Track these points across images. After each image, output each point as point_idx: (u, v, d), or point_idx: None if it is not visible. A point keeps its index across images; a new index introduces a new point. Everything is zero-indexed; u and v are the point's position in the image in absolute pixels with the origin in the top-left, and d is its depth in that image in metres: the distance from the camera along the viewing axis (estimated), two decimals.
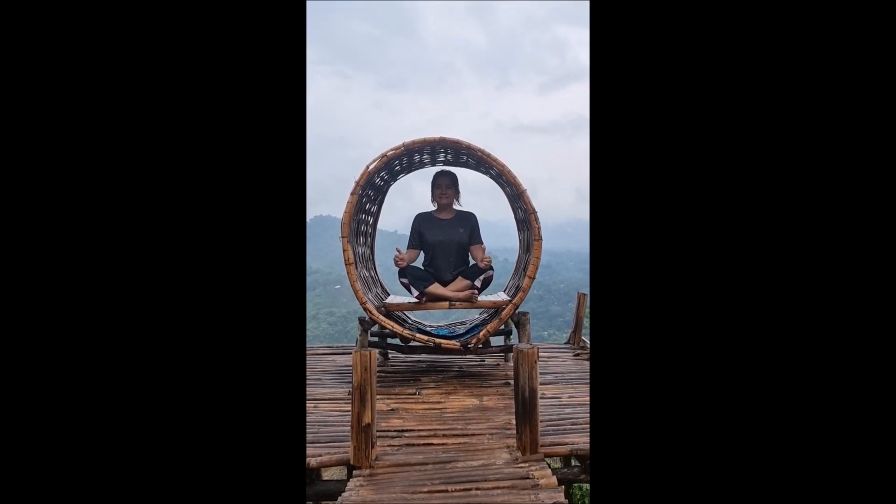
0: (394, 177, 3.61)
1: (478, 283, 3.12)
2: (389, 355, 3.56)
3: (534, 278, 2.99)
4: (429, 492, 1.77)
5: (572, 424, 2.38)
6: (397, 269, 3.21)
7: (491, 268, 3.17)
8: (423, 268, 3.29)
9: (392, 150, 2.95)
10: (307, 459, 2.11)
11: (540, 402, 2.13)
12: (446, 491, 1.77)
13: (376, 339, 3.40)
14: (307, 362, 3.55)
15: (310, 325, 26.81)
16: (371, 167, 2.96)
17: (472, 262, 3.35)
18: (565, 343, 4.12)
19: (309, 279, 37.11)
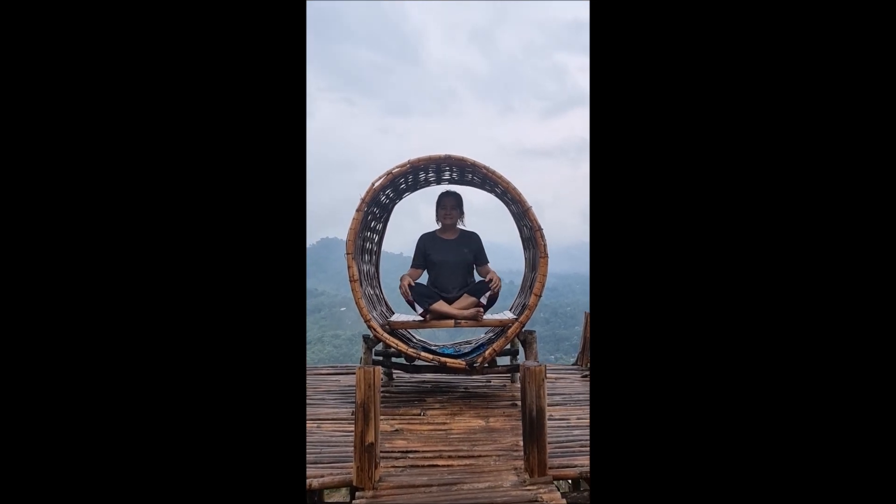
0: (399, 195, 3.62)
1: (483, 301, 3.09)
2: (394, 375, 3.50)
3: (540, 296, 2.95)
4: None
5: (581, 446, 2.31)
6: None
7: (494, 289, 3.15)
8: (427, 286, 3.26)
9: (398, 167, 2.96)
10: (309, 480, 2.05)
11: (548, 423, 2.08)
12: None
13: (381, 358, 3.35)
14: (311, 382, 3.50)
15: (315, 348, 26.64)
16: (377, 184, 2.97)
17: (477, 279, 3.33)
18: (573, 364, 4.05)
19: (314, 301, 37.00)
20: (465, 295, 3.14)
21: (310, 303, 36.47)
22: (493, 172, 2.97)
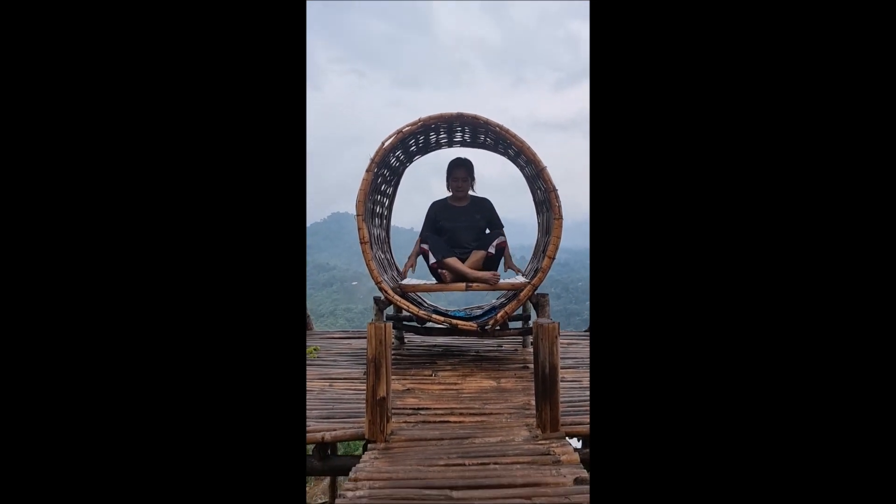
0: (410, 158, 3.55)
1: (492, 251, 3.06)
2: (405, 340, 3.50)
3: (553, 258, 2.90)
4: (445, 465, 1.70)
5: None
6: (419, 250, 3.16)
7: (502, 234, 3.15)
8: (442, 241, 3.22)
9: (409, 125, 2.89)
10: (321, 434, 2.07)
11: (560, 384, 2.05)
12: (463, 465, 1.70)
13: (391, 322, 3.35)
14: (323, 346, 3.52)
15: (327, 321, 26.97)
16: (386, 144, 2.90)
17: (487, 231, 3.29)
18: (585, 331, 4.02)
19: (325, 276, 37.31)
20: (474, 251, 3.10)
21: (321, 277, 36.77)
22: (507, 131, 2.88)
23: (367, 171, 2.90)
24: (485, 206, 3.32)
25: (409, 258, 3.28)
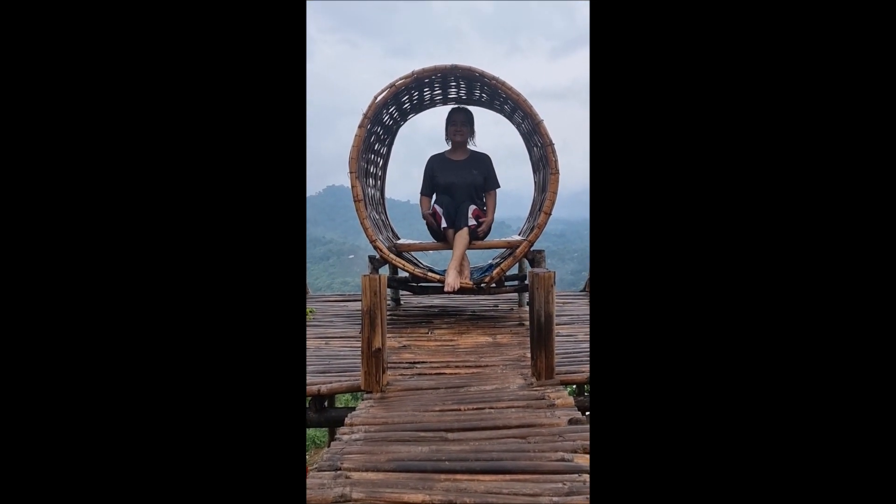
0: (404, 116, 3.48)
1: (472, 223, 2.95)
2: (402, 301, 3.50)
3: (550, 214, 2.87)
4: (440, 410, 1.71)
5: (588, 357, 2.31)
6: (429, 212, 3.07)
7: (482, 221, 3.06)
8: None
9: (402, 79, 2.81)
10: (317, 386, 2.07)
11: (556, 339, 2.05)
12: (459, 410, 1.71)
13: (386, 276, 3.33)
14: (319, 308, 3.51)
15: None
16: (379, 98, 2.82)
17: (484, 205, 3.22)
18: (581, 291, 4.03)
19: (322, 249, 37.27)
20: (458, 236, 2.95)
21: (318, 251, 36.73)
22: (503, 83, 2.81)
23: (360, 126, 2.83)
24: (483, 162, 3.18)
25: (424, 216, 3.14)
